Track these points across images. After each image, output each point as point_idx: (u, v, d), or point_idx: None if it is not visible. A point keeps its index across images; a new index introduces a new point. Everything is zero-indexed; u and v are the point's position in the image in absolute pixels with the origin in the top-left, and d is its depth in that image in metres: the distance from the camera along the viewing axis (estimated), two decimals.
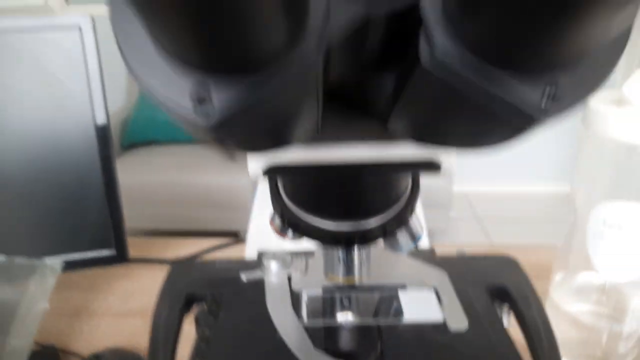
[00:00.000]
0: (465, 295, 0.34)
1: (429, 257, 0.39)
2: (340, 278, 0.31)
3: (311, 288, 0.34)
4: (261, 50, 0.12)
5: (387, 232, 0.29)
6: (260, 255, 0.39)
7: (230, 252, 0.67)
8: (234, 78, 0.13)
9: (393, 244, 0.33)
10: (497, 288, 0.36)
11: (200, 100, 0.13)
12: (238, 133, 0.14)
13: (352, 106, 0.21)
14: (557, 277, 0.54)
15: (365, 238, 0.29)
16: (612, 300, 0.52)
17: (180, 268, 0.37)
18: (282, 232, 0.32)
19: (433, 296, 0.34)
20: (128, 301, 0.61)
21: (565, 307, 0.53)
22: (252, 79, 0.13)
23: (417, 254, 0.40)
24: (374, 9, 0.14)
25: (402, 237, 0.33)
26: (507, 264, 0.39)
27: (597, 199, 0.47)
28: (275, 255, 0.36)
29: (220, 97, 0.13)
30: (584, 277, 0.53)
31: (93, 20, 0.59)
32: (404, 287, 0.34)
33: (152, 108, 1.78)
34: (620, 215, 0.45)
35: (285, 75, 0.13)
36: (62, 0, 1.86)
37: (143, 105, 1.91)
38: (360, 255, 0.31)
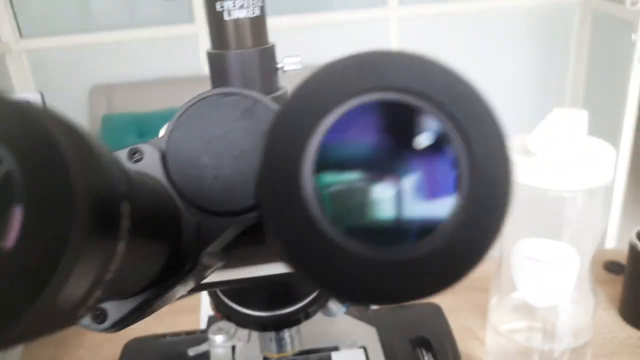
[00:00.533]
0: (391, 350, 0.39)
1: (363, 310, 0.43)
2: (274, 355, 0.35)
3: (253, 358, 0.38)
4: (146, 282, 0.16)
5: (310, 313, 0.33)
6: (210, 321, 0.42)
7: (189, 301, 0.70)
8: (127, 300, 0.16)
9: (325, 311, 0.37)
10: (420, 339, 0.40)
11: (96, 319, 0.16)
12: (132, 323, 0.18)
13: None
14: (493, 300, 0.59)
15: (290, 322, 0.33)
16: (542, 317, 0.57)
17: (134, 345, 0.40)
18: (219, 314, 0.36)
19: (362, 355, 0.38)
20: (98, 353, 0.64)
21: (502, 327, 0.59)
22: (138, 297, 0.17)
23: (351, 308, 0.44)
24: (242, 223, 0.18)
25: (333, 303, 0.37)
26: (432, 312, 0.43)
27: (518, 234, 0.51)
28: (220, 329, 0.39)
29: (113, 313, 0.16)
30: (516, 296, 0.58)
31: (42, 95, 0.61)
32: (336, 349, 0.39)
33: (114, 135, 1.79)
34: (537, 250, 0.50)
35: (166, 285, 0.17)
36: (16, 35, 1.84)
37: (106, 133, 1.92)
38: (290, 331, 0.35)
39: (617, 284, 0.68)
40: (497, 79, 1.99)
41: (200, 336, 0.41)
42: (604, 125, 1.46)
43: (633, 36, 1.35)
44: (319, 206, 0.10)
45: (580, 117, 0.47)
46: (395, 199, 0.10)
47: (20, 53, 1.85)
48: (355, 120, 0.10)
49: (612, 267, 0.72)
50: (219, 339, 0.39)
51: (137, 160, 0.17)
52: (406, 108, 0.10)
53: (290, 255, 0.10)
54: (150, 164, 0.17)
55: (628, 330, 0.62)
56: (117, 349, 0.63)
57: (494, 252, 0.49)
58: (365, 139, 0.11)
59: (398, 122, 0.11)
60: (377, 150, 0.11)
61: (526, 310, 0.57)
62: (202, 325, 0.49)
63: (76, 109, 1.95)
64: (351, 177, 0.11)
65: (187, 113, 0.17)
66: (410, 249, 0.10)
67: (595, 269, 0.71)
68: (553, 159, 0.46)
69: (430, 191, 0.11)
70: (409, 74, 0.10)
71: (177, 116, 0.17)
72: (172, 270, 0.17)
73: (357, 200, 0.11)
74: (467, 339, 0.64)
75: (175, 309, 0.70)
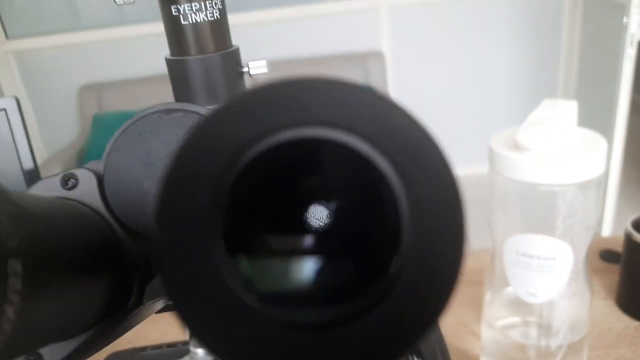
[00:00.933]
0: None
1: None
2: None
3: None
4: (88, 321, 0.15)
5: None
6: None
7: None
8: (66, 342, 0.15)
9: None
10: None
11: None
12: None
13: None
14: (487, 296, 0.58)
15: None
16: (537, 312, 0.56)
17: (115, 359, 0.39)
18: None
19: None
20: None
21: (497, 323, 0.57)
22: (80, 337, 0.15)
23: None
24: None
25: None
26: None
27: (510, 229, 0.50)
28: None
29: (50, 357, 0.15)
30: (510, 291, 0.57)
31: (18, 101, 0.59)
32: None
33: (106, 134, 1.77)
34: (529, 246, 0.49)
35: (111, 322, 0.16)
36: (2, 37, 1.81)
37: (97, 132, 1.90)
38: None
39: (613, 273, 0.67)
40: (490, 65, 1.97)
41: (181, 348, 0.39)
42: (598, 110, 1.44)
43: (625, 19, 1.33)
44: (231, 272, 0.09)
45: (570, 108, 0.46)
46: (322, 259, 0.09)
47: (6, 54, 1.83)
48: (273, 164, 0.09)
49: (608, 256, 0.71)
50: (200, 351, 0.38)
51: (72, 187, 0.16)
52: (332, 146, 0.09)
53: (200, 324, 0.09)
54: (86, 191, 0.16)
55: (625, 320, 0.61)
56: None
57: (485, 246, 0.47)
58: (283, 188, 0.09)
59: (323, 164, 0.09)
60: (298, 202, 0.09)
61: (521, 305, 0.56)
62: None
63: (66, 109, 1.92)
64: (269, 236, 0.09)
65: (126, 133, 0.16)
66: (338, 318, 0.08)
67: (592, 258, 0.70)
68: (543, 153, 0.44)
69: (364, 248, 0.09)
70: (333, 105, 0.09)
71: (115, 137, 0.16)
72: (121, 304, 0.16)
73: (275, 264, 0.09)
74: (462, 333, 0.63)
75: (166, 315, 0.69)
